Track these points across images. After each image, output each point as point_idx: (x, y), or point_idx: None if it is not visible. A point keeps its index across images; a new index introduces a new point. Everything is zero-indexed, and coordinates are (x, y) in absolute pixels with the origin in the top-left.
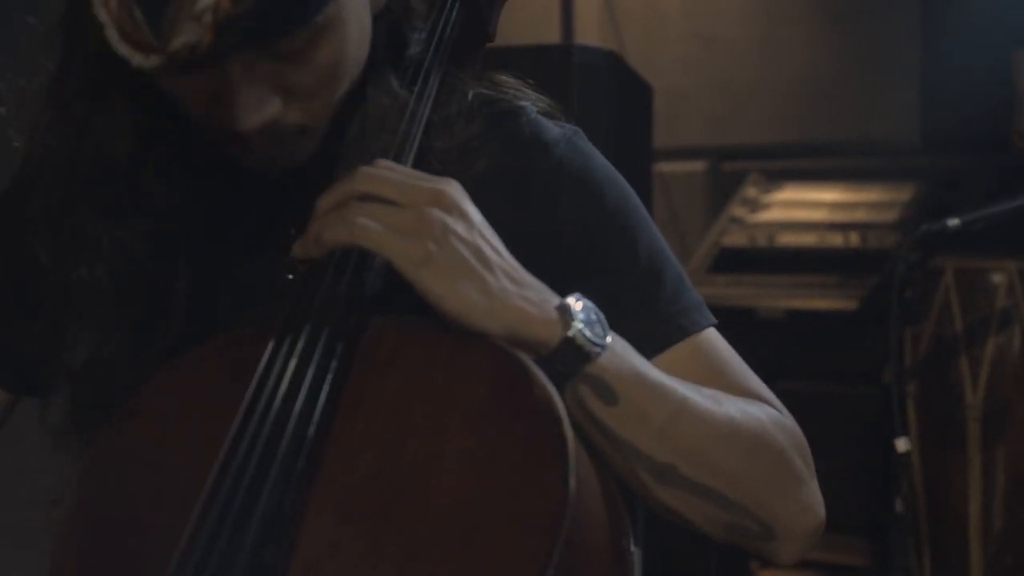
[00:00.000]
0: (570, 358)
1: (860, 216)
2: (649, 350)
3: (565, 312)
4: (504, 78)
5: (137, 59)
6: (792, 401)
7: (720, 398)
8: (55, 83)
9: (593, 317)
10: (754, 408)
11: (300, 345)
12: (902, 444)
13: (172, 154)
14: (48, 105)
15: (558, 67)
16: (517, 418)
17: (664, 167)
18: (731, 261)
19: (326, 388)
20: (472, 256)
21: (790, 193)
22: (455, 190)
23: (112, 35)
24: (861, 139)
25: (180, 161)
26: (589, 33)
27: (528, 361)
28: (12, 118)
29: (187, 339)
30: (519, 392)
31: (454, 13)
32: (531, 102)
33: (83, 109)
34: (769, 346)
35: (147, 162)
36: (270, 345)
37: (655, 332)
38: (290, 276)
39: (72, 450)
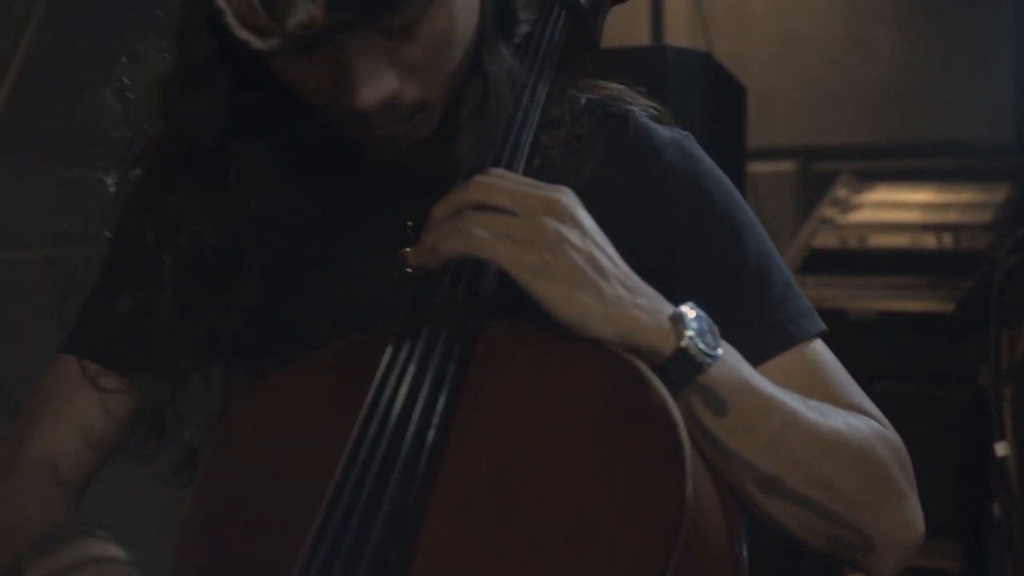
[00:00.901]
0: (682, 368)
1: (953, 217)
2: (756, 357)
3: (678, 321)
4: (611, 84)
5: (256, 42)
6: (884, 403)
7: (826, 410)
8: (169, 73)
9: (705, 327)
10: (859, 421)
11: (418, 350)
12: (1001, 448)
13: (279, 139)
14: (159, 90)
15: (651, 69)
16: (634, 423)
17: (753, 167)
18: (822, 262)
19: (444, 392)
20: (586, 264)
21: (881, 194)
22: (568, 198)
23: (231, 21)
24: (953, 139)
25: (289, 146)
26: (678, 34)
27: (643, 366)
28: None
29: (298, 324)
30: (635, 397)
31: (560, 21)
32: (640, 107)
33: (190, 92)
34: (860, 348)
35: (249, 146)
36: (388, 350)
37: (763, 339)
38: (409, 271)
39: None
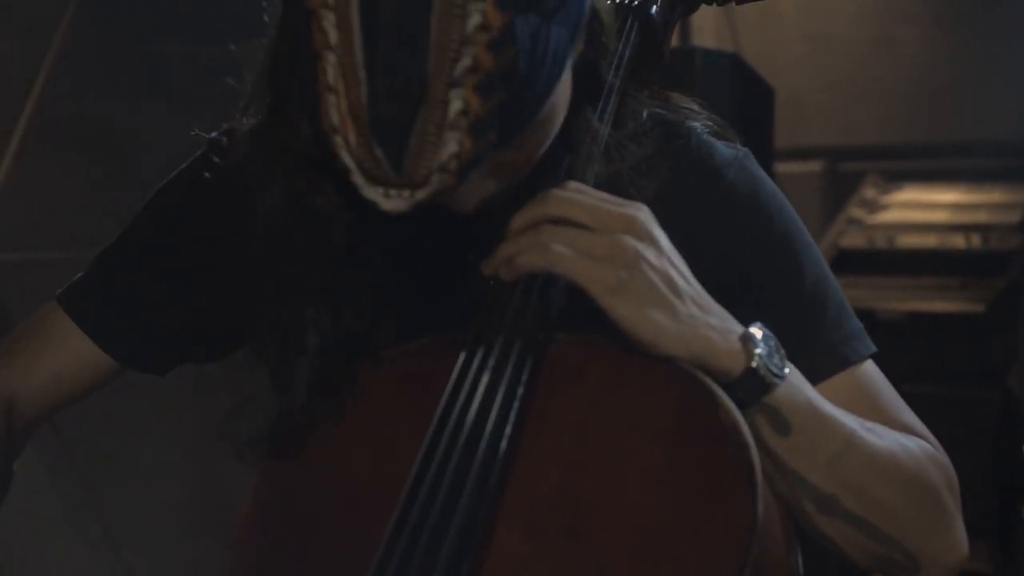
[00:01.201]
0: (751, 388)
1: (982, 217)
2: (811, 377)
3: (748, 341)
4: (675, 95)
5: (387, 204)
6: (912, 404)
7: (880, 431)
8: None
9: (773, 347)
10: (911, 443)
11: (492, 360)
12: None
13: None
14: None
15: (680, 69)
16: (704, 441)
17: (780, 167)
18: (849, 263)
19: (517, 403)
20: (662, 283)
21: (909, 194)
22: (645, 215)
23: (358, 179)
24: (982, 139)
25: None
26: (706, 35)
27: (714, 385)
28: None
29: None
30: (707, 416)
31: (633, 36)
32: (701, 122)
33: (305, 187)
34: (888, 349)
35: (359, 230)
36: (460, 358)
37: (818, 360)
38: (491, 281)
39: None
